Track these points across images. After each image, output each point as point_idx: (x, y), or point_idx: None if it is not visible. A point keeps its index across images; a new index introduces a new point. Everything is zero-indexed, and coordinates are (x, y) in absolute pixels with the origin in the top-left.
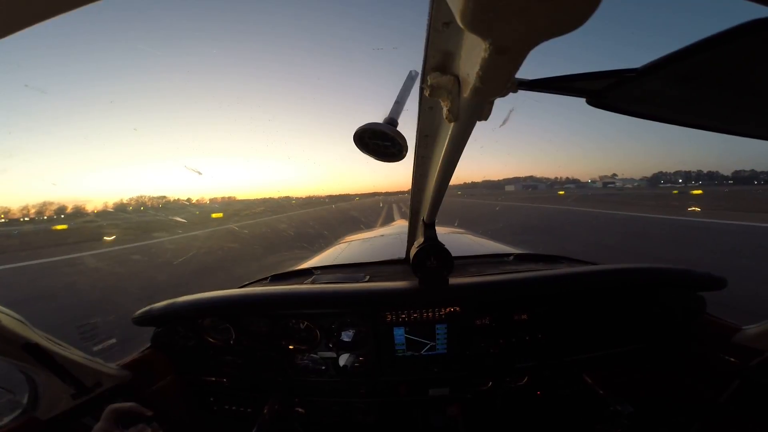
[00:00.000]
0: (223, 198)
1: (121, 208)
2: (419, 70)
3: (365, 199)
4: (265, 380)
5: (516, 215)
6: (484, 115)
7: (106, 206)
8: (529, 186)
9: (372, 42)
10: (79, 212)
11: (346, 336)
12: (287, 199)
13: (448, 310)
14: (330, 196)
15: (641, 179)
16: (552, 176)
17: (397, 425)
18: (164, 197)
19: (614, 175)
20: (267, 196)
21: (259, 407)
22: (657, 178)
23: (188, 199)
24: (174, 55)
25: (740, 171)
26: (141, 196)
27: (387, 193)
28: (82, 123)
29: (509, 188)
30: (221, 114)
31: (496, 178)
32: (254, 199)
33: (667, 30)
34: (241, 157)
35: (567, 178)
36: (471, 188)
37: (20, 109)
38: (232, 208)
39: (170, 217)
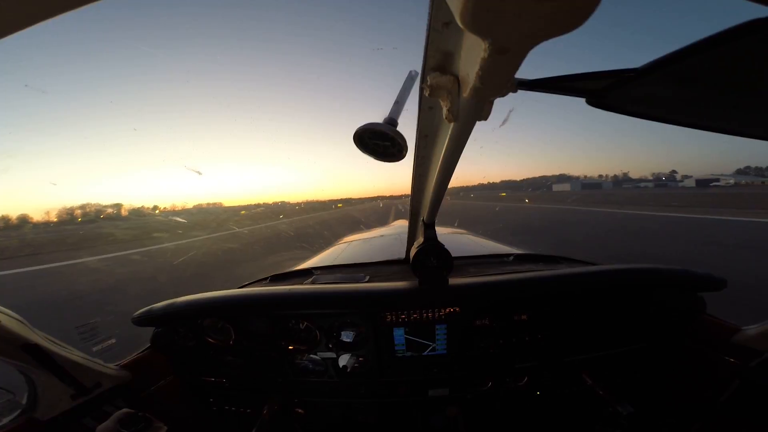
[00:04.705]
0: (208, 204)
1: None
2: (419, 70)
3: (358, 205)
4: (265, 380)
5: None
6: (484, 114)
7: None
8: (589, 185)
9: (372, 42)
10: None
11: (346, 336)
12: (283, 204)
13: (447, 310)
14: (331, 201)
15: None
16: (584, 174)
17: (397, 426)
18: (119, 204)
19: (673, 171)
20: (261, 202)
21: (259, 407)
22: (743, 174)
23: (154, 207)
24: (172, 56)
25: None
26: (86, 204)
27: (392, 197)
28: (80, 123)
29: (560, 188)
30: (218, 115)
31: (517, 179)
32: (246, 205)
33: (667, 30)
34: (235, 161)
35: (615, 176)
36: (484, 189)
37: (20, 109)
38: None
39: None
